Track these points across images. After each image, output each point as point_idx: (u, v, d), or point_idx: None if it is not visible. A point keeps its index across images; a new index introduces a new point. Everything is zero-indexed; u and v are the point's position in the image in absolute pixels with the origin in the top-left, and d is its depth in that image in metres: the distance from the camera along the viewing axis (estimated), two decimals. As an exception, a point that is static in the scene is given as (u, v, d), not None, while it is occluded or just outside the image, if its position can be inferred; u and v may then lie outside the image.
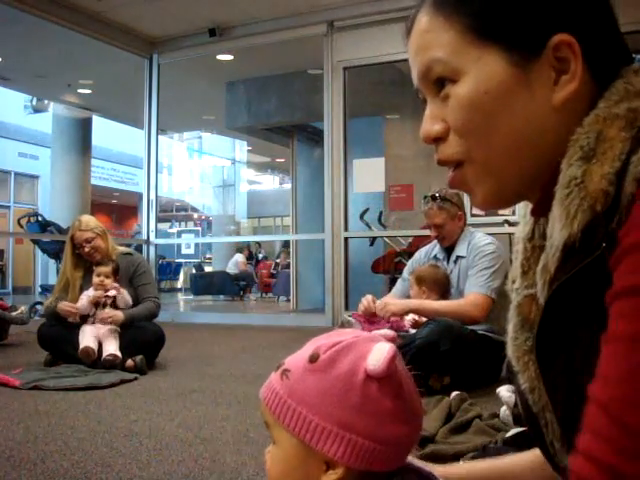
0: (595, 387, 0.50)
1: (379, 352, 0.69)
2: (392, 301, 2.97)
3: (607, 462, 0.47)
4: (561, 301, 0.59)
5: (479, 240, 3.10)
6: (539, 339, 0.63)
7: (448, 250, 3.20)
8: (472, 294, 2.96)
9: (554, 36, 0.61)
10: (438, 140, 0.67)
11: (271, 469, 0.74)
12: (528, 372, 0.68)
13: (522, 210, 0.74)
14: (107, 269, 3.52)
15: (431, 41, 0.65)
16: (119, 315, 3.43)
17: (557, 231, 0.60)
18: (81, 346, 3.32)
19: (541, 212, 0.68)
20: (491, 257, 3.02)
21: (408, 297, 3.15)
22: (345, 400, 0.68)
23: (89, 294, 3.49)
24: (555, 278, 0.61)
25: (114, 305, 3.50)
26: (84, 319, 3.47)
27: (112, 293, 3.50)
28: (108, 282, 3.51)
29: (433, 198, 3.16)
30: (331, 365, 0.70)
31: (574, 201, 0.58)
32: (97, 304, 3.48)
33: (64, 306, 3.43)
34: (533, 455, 0.79)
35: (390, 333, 0.76)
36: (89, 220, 3.70)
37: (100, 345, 3.37)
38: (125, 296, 3.52)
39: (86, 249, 3.58)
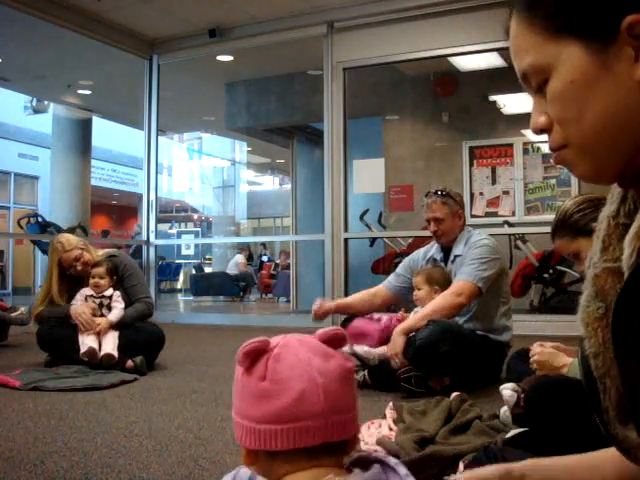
0: None
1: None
2: (395, 348, 2.84)
3: None
4: None
5: (475, 237, 3.11)
6: (619, 302, 0.65)
7: (446, 252, 3.20)
8: (455, 282, 2.96)
9: (625, 18, 0.64)
10: (544, 131, 0.74)
11: None
12: (595, 338, 0.72)
13: (611, 192, 0.78)
14: (101, 269, 3.51)
15: (520, 46, 0.73)
16: (104, 325, 3.41)
17: None
18: (84, 348, 3.32)
19: (628, 184, 0.72)
20: (483, 249, 3.02)
21: (403, 292, 3.29)
22: (234, 391, 0.82)
23: (86, 293, 3.51)
24: None
25: (105, 307, 3.49)
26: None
27: (108, 293, 3.51)
28: (103, 283, 3.51)
29: (436, 193, 3.17)
30: None
31: None
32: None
33: (85, 316, 3.40)
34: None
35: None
36: (69, 238, 3.64)
37: (100, 345, 3.37)
38: (112, 315, 3.49)
39: (78, 267, 3.53)
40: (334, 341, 0.82)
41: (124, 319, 3.48)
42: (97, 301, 3.49)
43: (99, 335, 3.39)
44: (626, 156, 0.68)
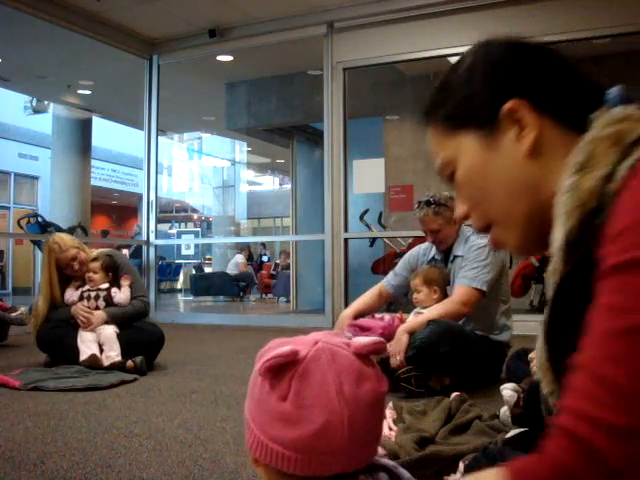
0: (576, 355, 0.56)
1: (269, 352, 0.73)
2: (400, 346, 2.84)
3: (589, 415, 0.52)
4: (567, 293, 0.67)
5: (475, 236, 3.10)
6: (550, 324, 0.70)
7: (446, 252, 3.20)
8: (461, 288, 2.96)
9: (503, 107, 0.75)
10: (466, 218, 0.83)
11: None
12: (547, 378, 0.78)
13: None
14: (95, 264, 3.54)
15: (432, 148, 0.84)
16: (98, 317, 3.43)
17: (559, 229, 0.68)
18: (84, 356, 3.30)
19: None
20: (484, 250, 3.01)
21: (400, 291, 3.35)
22: (251, 393, 0.77)
23: (81, 288, 3.54)
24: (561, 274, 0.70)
25: (101, 299, 3.50)
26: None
27: (104, 287, 3.53)
28: (96, 277, 3.52)
29: (427, 204, 3.11)
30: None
31: (568, 201, 0.66)
32: (82, 297, 3.52)
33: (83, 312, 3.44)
34: None
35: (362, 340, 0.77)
36: (64, 238, 3.62)
37: (101, 348, 3.37)
38: (117, 296, 3.52)
39: (75, 267, 3.53)
40: (372, 354, 0.75)
41: (115, 315, 3.49)
42: (92, 294, 3.51)
43: (97, 333, 3.40)
44: (542, 223, 0.73)
